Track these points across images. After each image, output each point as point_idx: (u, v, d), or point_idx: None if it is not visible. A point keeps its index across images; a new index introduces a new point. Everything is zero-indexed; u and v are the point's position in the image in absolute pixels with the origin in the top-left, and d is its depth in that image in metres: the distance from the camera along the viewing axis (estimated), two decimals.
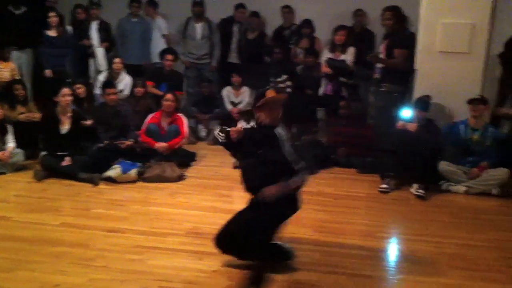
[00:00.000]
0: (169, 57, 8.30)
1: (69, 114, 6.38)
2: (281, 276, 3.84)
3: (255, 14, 8.98)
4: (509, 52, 7.21)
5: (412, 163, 6.09)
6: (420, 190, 5.86)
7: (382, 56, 6.89)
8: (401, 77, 6.78)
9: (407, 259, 4.38)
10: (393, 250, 4.67)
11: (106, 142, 6.57)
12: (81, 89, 7.25)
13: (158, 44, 8.89)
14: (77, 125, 6.40)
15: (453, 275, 4.02)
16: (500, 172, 6.01)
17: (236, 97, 8.64)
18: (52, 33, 8.05)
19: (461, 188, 6.06)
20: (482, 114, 6.25)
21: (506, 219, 5.36)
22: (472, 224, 5.18)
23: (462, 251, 4.50)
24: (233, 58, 9.04)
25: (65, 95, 6.31)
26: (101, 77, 8.29)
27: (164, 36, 8.94)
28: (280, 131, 3.82)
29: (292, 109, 8.43)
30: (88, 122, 6.65)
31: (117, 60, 8.14)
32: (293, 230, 4.78)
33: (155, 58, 8.84)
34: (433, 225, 5.12)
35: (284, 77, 8.40)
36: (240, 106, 8.54)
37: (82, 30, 8.59)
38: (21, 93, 7.01)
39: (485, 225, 5.16)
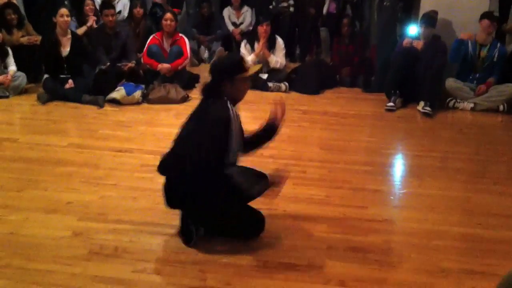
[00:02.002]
0: None
1: (68, 36, 6.24)
2: (291, 190, 3.87)
3: None
4: None
5: (418, 81, 6.04)
6: (427, 108, 5.83)
7: None
8: None
9: (413, 174, 4.42)
10: (398, 166, 4.71)
11: (107, 64, 6.48)
12: (92, 6, 7.12)
13: None
14: (77, 47, 6.28)
15: (459, 188, 4.06)
16: (507, 88, 5.97)
17: (237, 17, 8.47)
18: None
19: (468, 105, 6.04)
20: (493, 30, 6.13)
21: None
22: (478, 140, 5.20)
23: (468, 165, 4.54)
24: None
25: (63, 15, 6.14)
26: None
27: None
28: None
29: (295, 29, 8.33)
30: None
31: None
32: (300, 148, 4.81)
33: None
34: (439, 141, 5.14)
35: None
36: (242, 27, 8.38)
37: None
38: (13, 18, 6.80)
39: (492, 141, 5.19)
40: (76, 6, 7.48)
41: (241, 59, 3.19)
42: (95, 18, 7.08)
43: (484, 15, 6.03)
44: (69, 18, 6.23)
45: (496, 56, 6.08)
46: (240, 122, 3.17)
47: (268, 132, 3.31)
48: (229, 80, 3.03)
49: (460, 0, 6.36)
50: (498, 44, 6.14)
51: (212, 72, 3.12)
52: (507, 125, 5.67)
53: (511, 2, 6.90)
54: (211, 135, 2.96)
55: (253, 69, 3.19)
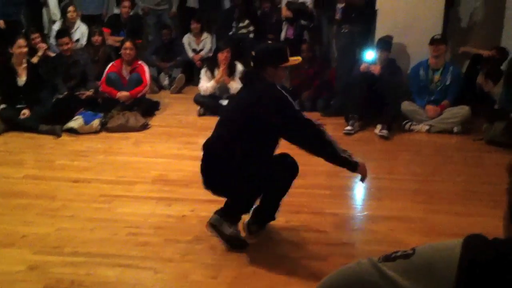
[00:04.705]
0: (126, 3, 8.08)
1: (24, 65, 6.17)
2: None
3: None
4: None
5: (375, 104, 6.16)
6: (384, 131, 5.94)
7: None
8: (362, 17, 6.77)
9: (372, 196, 4.47)
10: (357, 188, 4.75)
11: (65, 93, 6.41)
12: (38, 39, 7.00)
13: None
14: (34, 76, 6.20)
15: (417, 210, 4.12)
16: (461, 110, 6.13)
17: (197, 44, 8.51)
18: None
19: (424, 127, 6.17)
20: (442, 53, 6.32)
21: (466, 155, 5.51)
22: (434, 161, 5.31)
23: (425, 186, 4.62)
24: (192, 2, 8.84)
25: (20, 47, 6.08)
26: (55, 27, 8.01)
27: None
28: None
29: None
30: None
31: (71, 8, 7.89)
32: None
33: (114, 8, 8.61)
34: (396, 163, 5.23)
35: (246, 22, 8.31)
36: (202, 53, 8.42)
37: None
38: None
39: (447, 162, 5.30)
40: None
41: (286, 48, 3.40)
42: (45, 46, 6.97)
43: (430, 41, 6.21)
44: (26, 48, 6.18)
45: (449, 79, 6.25)
46: None
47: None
48: (273, 67, 3.24)
49: (414, 24, 6.53)
50: (451, 68, 6.32)
51: (256, 58, 3.32)
52: (461, 146, 5.81)
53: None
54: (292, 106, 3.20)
55: (293, 60, 3.42)
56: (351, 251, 3.46)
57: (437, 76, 6.26)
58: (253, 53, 3.39)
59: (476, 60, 6.80)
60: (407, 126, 6.23)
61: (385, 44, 6.33)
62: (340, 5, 6.90)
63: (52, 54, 7.04)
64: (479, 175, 4.93)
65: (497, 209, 4.15)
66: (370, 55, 6.34)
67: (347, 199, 4.43)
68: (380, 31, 6.64)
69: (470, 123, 6.20)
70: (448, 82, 6.26)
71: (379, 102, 6.11)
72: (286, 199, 4.19)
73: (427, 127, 6.16)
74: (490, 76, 6.31)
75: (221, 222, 3.32)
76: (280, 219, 3.84)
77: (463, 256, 1.02)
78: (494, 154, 5.48)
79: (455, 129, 6.11)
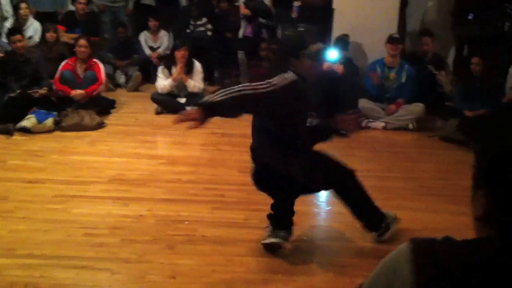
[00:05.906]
0: (82, 0, 7.92)
1: None
2: (210, 214, 3.87)
3: None
4: None
5: (333, 103, 6.21)
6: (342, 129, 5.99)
7: None
8: (319, 16, 6.82)
9: (330, 193, 4.50)
10: None
11: (17, 91, 6.23)
12: None
13: None
14: None
15: None
16: (416, 108, 6.26)
17: (154, 41, 8.43)
18: None
19: (380, 124, 6.27)
20: (398, 52, 6.43)
21: (421, 152, 5.63)
22: (390, 157, 5.41)
23: (380, 182, 4.68)
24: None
25: None
26: (8, 24, 7.78)
27: None
28: None
29: (213, 53, 8.38)
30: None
31: (23, 5, 7.68)
32: (219, 171, 4.81)
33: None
34: (353, 160, 5.25)
35: (204, 20, 8.27)
36: (159, 51, 8.34)
37: None
38: None
39: (402, 158, 5.40)
40: None
41: (302, 35, 3.26)
42: None
43: (387, 39, 6.32)
44: None
45: (404, 77, 6.37)
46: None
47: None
48: (295, 57, 3.10)
49: (370, 23, 6.63)
50: (406, 66, 6.44)
51: (278, 52, 3.38)
52: (416, 143, 5.94)
53: None
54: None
55: (315, 46, 3.23)
56: (311, 248, 3.49)
57: (392, 74, 6.37)
58: (275, 47, 3.35)
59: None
60: (364, 123, 6.31)
61: (342, 43, 6.40)
62: (296, 3, 6.94)
63: (1, 55, 6.80)
64: (434, 171, 5.04)
65: (451, 204, 4.26)
66: (333, 54, 6.37)
67: (306, 196, 4.43)
68: (336, 30, 6.71)
69: (425, 120, 6.33)
70: (403, 80, 6.37)
71: (337, 100, 6.16)
72: (245, 197, 4.22)
73: (383, 124, 6.26)
74: (438, 67, 6.49)
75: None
76: (239, 217, 3.86)
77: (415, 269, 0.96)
78: (447, 151, 5.61)
79: (410, 126, 6.23)
